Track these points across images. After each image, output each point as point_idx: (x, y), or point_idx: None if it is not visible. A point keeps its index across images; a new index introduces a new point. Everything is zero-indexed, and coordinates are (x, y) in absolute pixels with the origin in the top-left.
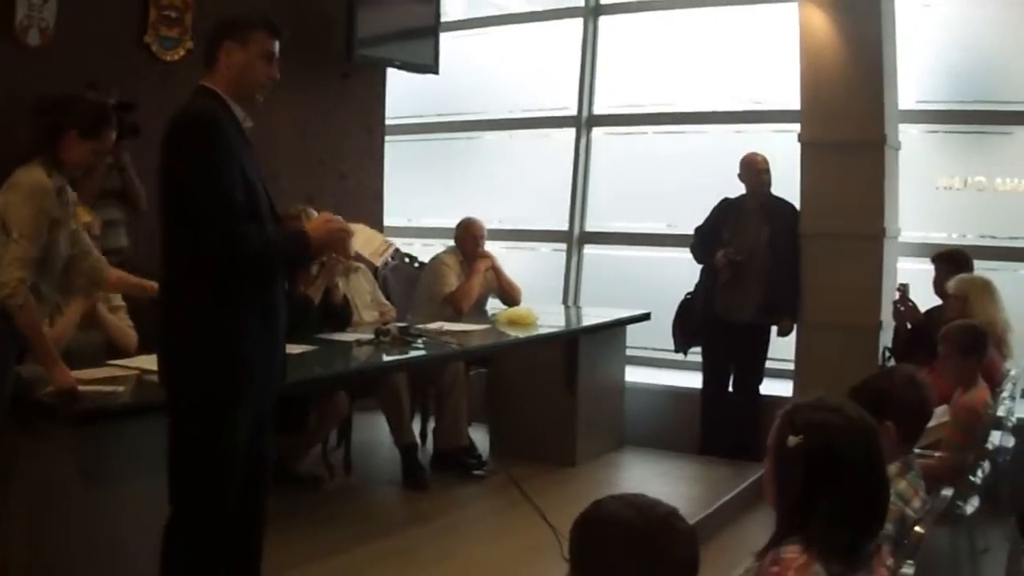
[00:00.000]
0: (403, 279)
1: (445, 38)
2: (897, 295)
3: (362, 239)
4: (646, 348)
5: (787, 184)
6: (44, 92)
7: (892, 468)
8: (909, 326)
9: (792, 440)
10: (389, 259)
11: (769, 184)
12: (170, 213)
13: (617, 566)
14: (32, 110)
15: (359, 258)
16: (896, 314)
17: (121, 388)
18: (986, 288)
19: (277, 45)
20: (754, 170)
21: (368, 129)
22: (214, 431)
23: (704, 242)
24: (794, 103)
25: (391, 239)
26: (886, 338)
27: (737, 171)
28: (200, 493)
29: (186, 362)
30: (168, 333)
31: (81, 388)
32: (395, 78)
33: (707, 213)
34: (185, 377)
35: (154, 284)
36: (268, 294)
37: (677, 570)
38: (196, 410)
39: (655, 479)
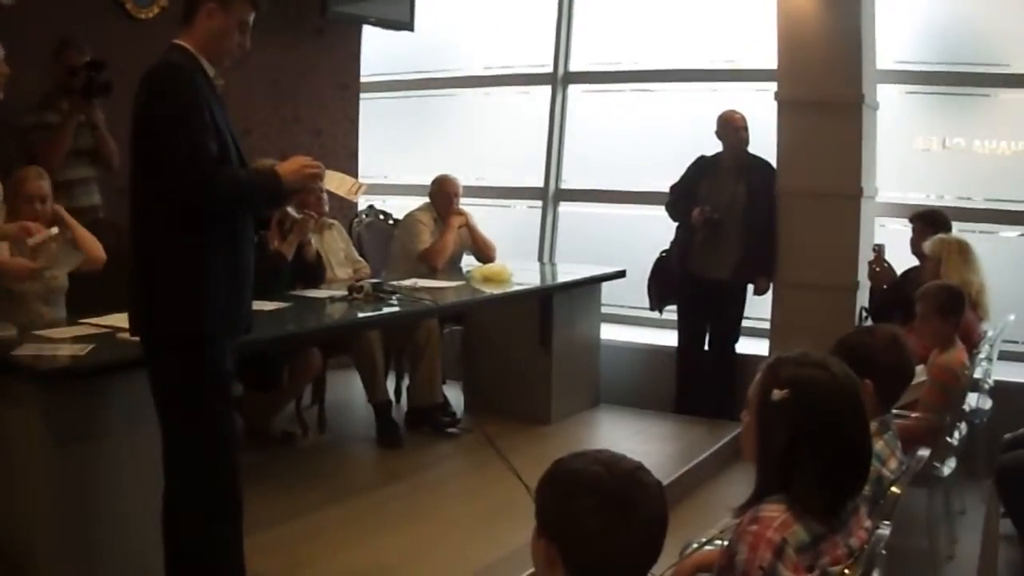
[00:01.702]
0: (377, 236)
1: None
2: (873, 255)
3: (335, 181)
4: (621, 306)
5: (762, 143)
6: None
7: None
8: (884, 287)
9: (777, 394)
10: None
11: (747, 142)
12: (140, 163)
13: (585, 522)
14: None
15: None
16: (872, 274)
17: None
18: (961, 249)
19: (253, 17)
20: (732, 127)
21: (343, 86)
22: (191, 374)
23: (680, 200)
24: (771, 62)
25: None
26: (863, 298)
27: (714, 128)
28: (191, 431)
29: (156, 312)
30: (138, 284)
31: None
32: (371, 35)
33: (683, 171)
34: (156, 325)
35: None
36: (236, 246)
37: (646, 524)
38: (170, 358)
39: (630, 437)
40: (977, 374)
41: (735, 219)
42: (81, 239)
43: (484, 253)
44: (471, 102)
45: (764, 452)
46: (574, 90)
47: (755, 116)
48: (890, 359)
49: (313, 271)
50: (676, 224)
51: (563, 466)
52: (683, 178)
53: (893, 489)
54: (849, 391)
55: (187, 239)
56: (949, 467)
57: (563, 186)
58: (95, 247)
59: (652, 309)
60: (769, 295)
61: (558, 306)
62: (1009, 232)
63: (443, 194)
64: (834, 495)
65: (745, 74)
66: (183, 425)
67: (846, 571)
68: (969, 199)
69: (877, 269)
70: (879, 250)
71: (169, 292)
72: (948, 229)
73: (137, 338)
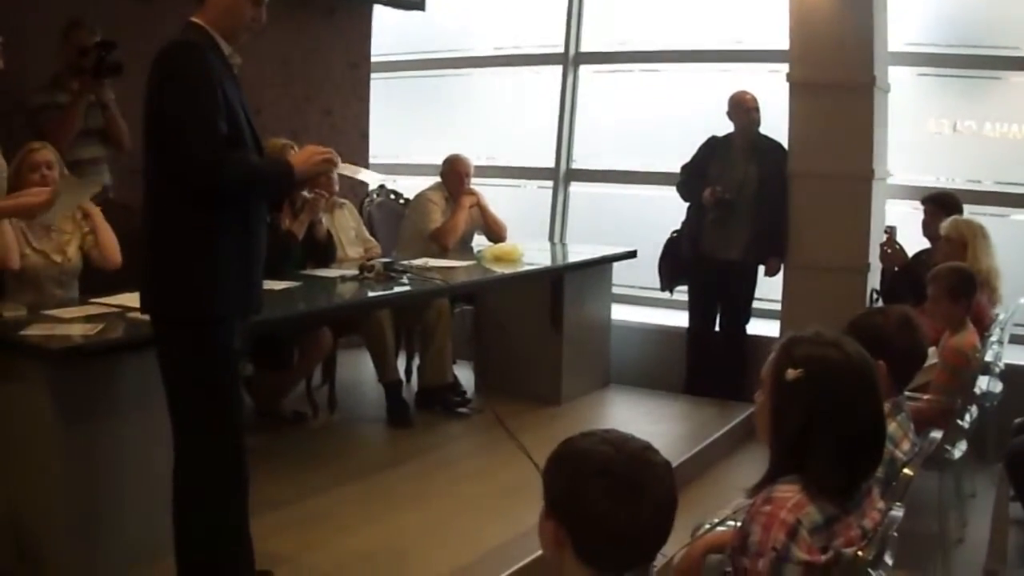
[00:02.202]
0: (388, 215)
1: None
2: (884, 237)
3: (348, 170)
4: (632, 286)
5: (774, 125)
6: (26, 32)
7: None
8: (896, 269)
9: (791, 373)
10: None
11: (758, 123)
12: (153, 142)
13: (594, 503)
14: None
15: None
16: (883, 256)
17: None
18: (983, 233)
19: None
20: (743, 108)
21: (354, 65)
22: (200, 352)
23: (690, 180)
24: (783, 43)
25: (376, 174)
26: (874, 280)
27: (725, 109)
28: (198, 410)
29: (166, 291)
30: (149, 262)
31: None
32: (381, 14)
33: (694, 151)
34: (166, 304)
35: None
36: (249, 226)
37: (655, 505)
38: (179, 337)
39: (640, 418)
40: (988, 357)
41: (746, 200)
42: (103, 240)
43: (495, 233)
44: (482, 82)
45: (778, 432)
46: (585, 70)
47: (767, 97)
48: (903, 340)
49: (324, 250)
50: (687, 204)
51: (571, 446)
52: (694, 158)
53: (905, 471)
54: (863, 371)
55: (199, 219)
56: (960, 450)
57: (574, 166)
58: (113, 249)
59: (663, 290)
60: (780, 276)
61: (569, 286)
62: (1019, 215)
63: (454, 174)
64: (849, 476)
65: (757, 55)
66: (190, 403)
67: (859, 552)
68: (979, 182)
69: (889, 251)
70: (891, 232)
71: (180, 271)
72: (960, 212)
73: (147, 316)
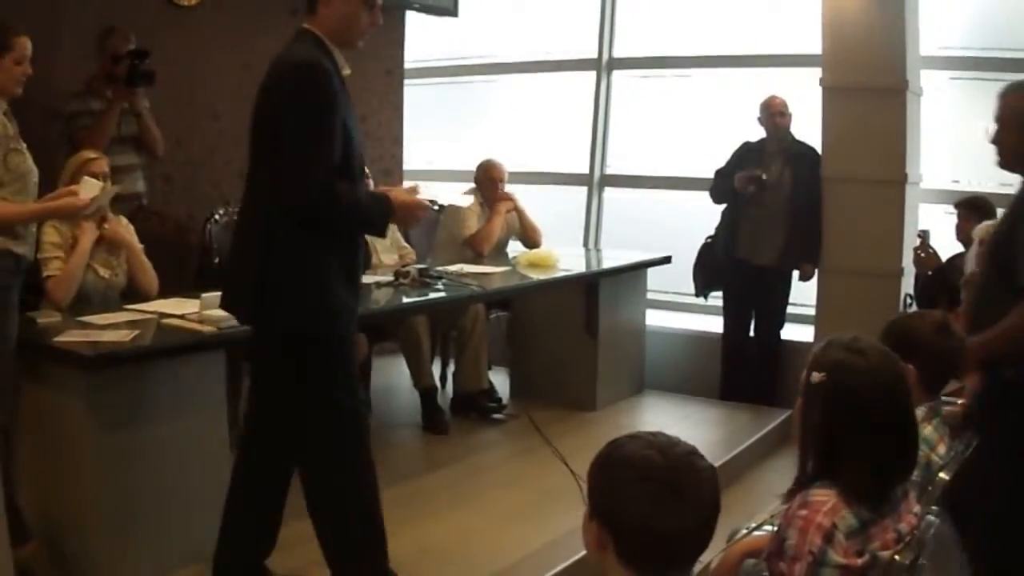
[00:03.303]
0: (423, 221)
1: None
2: (918, 241)
3: None
4: (667, 292)
5: (808, 129)
6: (60, 38)
7: (918, 413)
8: (929, 273)
9: (816, 377)
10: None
11: (787, 127)
12: (264, 157)
13: (637, 507)
14: None
15: None
16: (916, 260)
17: None
18: None
19: None
20: (770, 112)
21: (387, 72)
22: (332, 368)
23: (724, 182)
24: (815, 48)
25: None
26: (907, 284)
27: (757, 115)
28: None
29: (288, 310)
30: (266, 279)
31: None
32: (415, 21)
33: (728, 156)
34: (302, 321)
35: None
36: (353, 246)
37: (698, 509)
38: (318, 356)
39: (676, 423)
40: None
41: (780, 205)
42: (139, 267)
43: (531, 238)
44: (516, 88)
45: (803, 434)
46: (618, 76)
47: (800, 102)
48: (935, 344)
49: None
50: (721, 210)
51: (616, 449)
52: (728, 163)
53: (941, 475)
54: (886, 378)
55: (314, 238)
56: None
57: (608, 172)
58: (151, 278)
59: (697, 295)
60: (814, 281)
61: (604, 292)
62: None
63: (489, 180)
64: (877, 481)
65: (790, 59)
66: (322, 420)
67: (896, 556)
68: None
69: (922, 255)
70: (924, 236)
71: (299, 290)
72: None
73: (248, 326)
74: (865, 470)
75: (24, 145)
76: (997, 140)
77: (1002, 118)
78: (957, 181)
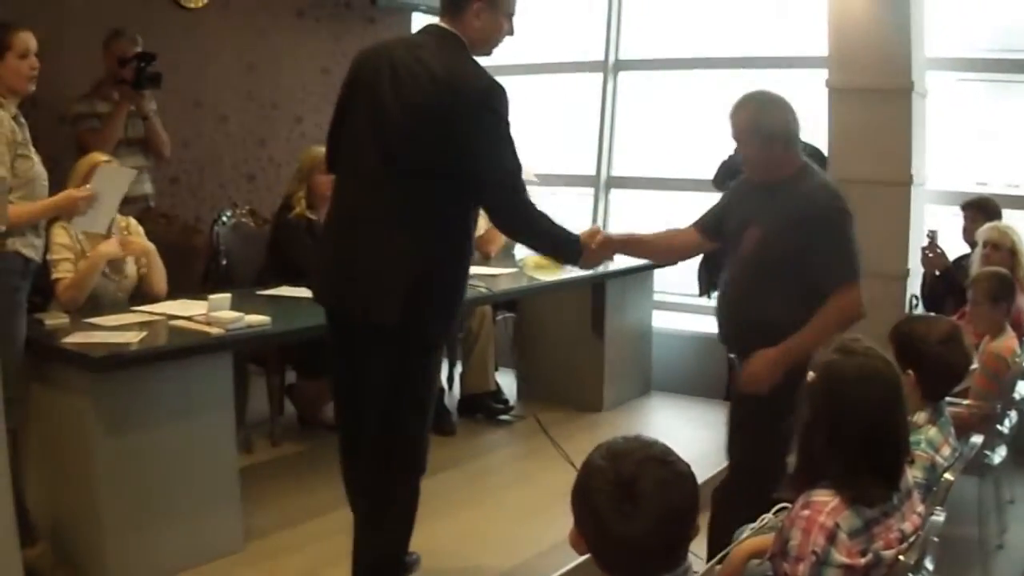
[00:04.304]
0: None
1: None
2: (926, 241)
3: None
4: (673, 293)
5: (813, 131)
6: (67, 41)
7: (922, 415)
8: (937, 273)
9: (810, 376)
10: None
11: None
12: (439, 168)
13: (598, 511)
14: None
15: None
16: (924, 260)
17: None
18: (1021, 240)
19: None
20: None
21: None
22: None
23: (728, 171)
24: (821, 50)
25: None
26: (913, 286)
27: None
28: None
29: (428, 311)
30: (413, 281)
31: None
32: (421, 23)
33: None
34: (427, 324)
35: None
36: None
37: (656, 512)
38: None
39: (682, 425)
40: None
41: None
42: (155, 277)
43: None
44: (522, 90)
45: (802, 429)
46: (625, 78)
47: (807, 104)
48: (939, 355)
49: None
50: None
51: (588, 458)
52: (732, 157)
53: (946, 476)
54: (879, 382)
55: (461, 243)
56: (1000, 455)
57: (614, 174)
58: (162, 286)
59: (701, 294)
60: None
61: (610, 293)
62: None
63: None
64: (878, 481)
65: (796, 61)
66: (412, 419)
67: (899, 556)
68: (1018, 186)
69: (930, 255)
70: (932, 236)
71: (444, 294)
72: (999, 217)
73: (380, 324)
74: (858, 471)
75: (33, 150)
76: (742, 156)
77: (738, 136)
78: (984, 183)
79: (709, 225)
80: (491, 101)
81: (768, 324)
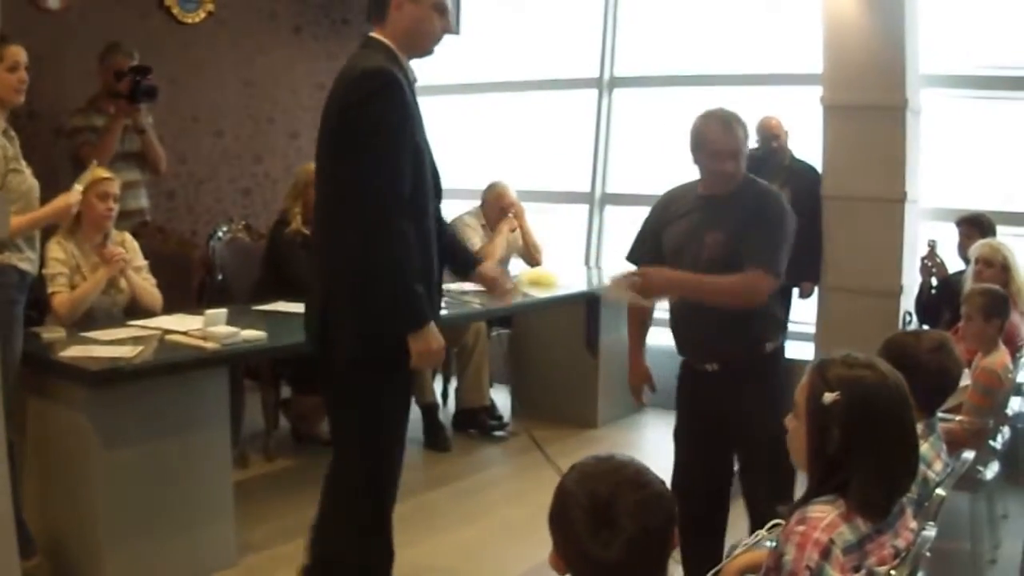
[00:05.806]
0: None
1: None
2: (927, 250)
3: None
4: (667, 310)
5: (807, 148)
6: (65, 55)
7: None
8: (935, 283)
9: (828, 397)
10: None
11: (783, 147)
12: (332, 174)
13: (572, 534)
14: None
15: None
16: (923, 269)
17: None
18: (1012, 254)
19: None
20: (764, 135)
21: None
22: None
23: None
24: (815, 67)
25: None
26: (907, 302)
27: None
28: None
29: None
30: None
31: None
32: None
33: None
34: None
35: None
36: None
37: (630, 534)
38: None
39: None
40: (1020, 378)
41: None
42: (141, 294)
43: (532, 256)
44: (517, 107)
45: (816, 455)
46: (619, 95)
47: (801, 121)
48: (931, 366)
49: None
50: None
51: (563, 480)
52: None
53: (938, 491)
54: (897, 390)
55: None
56: (992, 471)
57: (609, 190)
58: (152, 297)
59: None
60: (814, 299)
61: (604, 310)
62: None
63: (496, 205)
64: (886, 494)
65: (790, 78)
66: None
67: (892, 572)
68: (1012, 203)
69: (929, 264)
70: (933, 245)
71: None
72: (993, 233)
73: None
74: (873, 483)
75: (24, 163)
76: (726, 171)
77: (737, 151)
78: (978, 200)
79: (648, 255)
80: (363, 87)
81: (745, 317)
